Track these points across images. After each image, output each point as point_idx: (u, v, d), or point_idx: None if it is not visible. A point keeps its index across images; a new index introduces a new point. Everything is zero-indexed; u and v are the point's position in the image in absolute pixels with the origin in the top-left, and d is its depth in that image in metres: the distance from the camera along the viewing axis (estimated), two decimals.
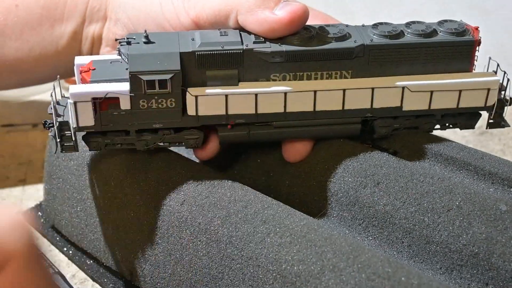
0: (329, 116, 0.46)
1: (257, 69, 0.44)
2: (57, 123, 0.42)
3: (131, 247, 0.47)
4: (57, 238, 0.54)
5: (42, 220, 0.57)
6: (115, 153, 0.48)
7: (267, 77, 0.44)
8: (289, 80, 0.45)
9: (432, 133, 0.50)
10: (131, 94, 0.42)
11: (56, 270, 0.49)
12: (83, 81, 0.43)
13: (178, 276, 0.44)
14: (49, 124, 0.44)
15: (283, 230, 0.40)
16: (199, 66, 0.43)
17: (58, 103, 0.44)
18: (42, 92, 0.73)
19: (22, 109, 0.73)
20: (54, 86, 0.44)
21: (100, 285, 0.50)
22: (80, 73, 0.44)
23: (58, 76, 0.46)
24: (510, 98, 0.48)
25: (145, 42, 0.43)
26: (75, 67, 0.45)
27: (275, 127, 0.46)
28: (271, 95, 0.44)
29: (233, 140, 0.47)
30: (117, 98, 0.42)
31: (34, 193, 0.61)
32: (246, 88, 0.44)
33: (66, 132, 0.43)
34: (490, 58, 0.47)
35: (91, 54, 0.58)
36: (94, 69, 0.43)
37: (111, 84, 0.42)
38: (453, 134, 0.66)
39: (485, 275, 0.40)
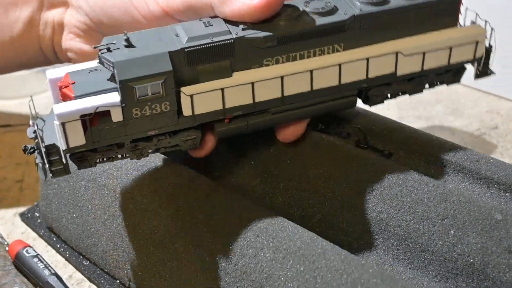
0: (326, 93, 0.45)
1: (250, 57, 0.42)
2: (44, 148, 0.39)
3: (127, 255, 0.47)
4: (54, 239, 0.54)
5: (39, 220, 0.57)
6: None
7: (260, 63, 0.43)
8: (283, 62, 0.43)
9: (431, 131, 0.50)
10: (123, 105, 0.39)
11: (53, 271, 0.49)
12: (65, 97, 0.40)
13: (175, 286, 0.44)
14: (30, 149, 0.40)
15: (276, 245, 0.40)
16: (190, 63, 0.41)
17: (36, 125, 0.40)
18: (41, 92, 0.73)
19: (19, 110, 0.73)
20: (30, 108, 0.40)
21: (97, 286, 0.50)
22: (60, 90, 0.40)
23: (31, 95, 0.42)
24: (490, 45, 0.49)
25: (126, 46, 0.40)
26: (48, 82, 0.42)
27: (273, 113, 0.45)
28: (268, 81, 0.43)
29: (232, 134, 0.45)
30: (107, 111, 0.39)
31: (31, 194, 0.61)
32: (242, 78, 0.42)
33: (54, 157, 0.39)
34: (467, 8, 0.47)
35: (52, 41, 0.56)
36: (74, 82, 0.40)
37: (98, 97, 0.39)
38: (451, 136, 0.66)
39: (480, 284, 0.40)
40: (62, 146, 0.39)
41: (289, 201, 0.48)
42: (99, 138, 0.40)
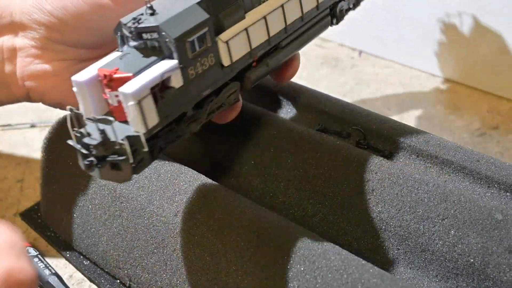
0: (310, 17, 0.48)
1: None
2: (126, 142, 0.34)
3: (128, 255, 0.47)
4: (54, 239, 0.54)
5: (39, 220, 0.57)
6: None
7: (259, 1, 0.44)
8: None
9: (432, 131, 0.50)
10: (181, 66, 0.37)
11: (53, 271, 0.49)
12: (119, 83, 0.36)
13: (175, 286, 0.44)
14: (99, 159, 0.35)
15: (276, 245, 0.40)
16: (214, 11, 0.41)
17: (98, 126, 0.36)
18: None
19: (19, 109, 0.73)
20: (71, 118, 0.36)
21: (98, 286, 0.50)
22: (110, 78, 0.37)
23: (68, 107, 0.36)
24: None
25: (151, 14, 0.39)
26: (84, 84, 0.37)
27: (282, 47, 0.46)
28: (274, 13, 0.44)
29: (260, 78, 0.46)
30: (164, 83, 0.36)
31: (32, 193, 0.61)
32: (255, 16, 0.43)
33: (134, 148, 0.35)
34: None
35: (3, 70, 0.51)
36: (118, 68, 0.37)
37: (154, 68, 0.36)
38: (451, 136, 0.66)
39: (481, 284, 0.40)
40: (141, 130, 0.35)
41: (289, 201, 0.48)
42: (167, 111, 0.37)
